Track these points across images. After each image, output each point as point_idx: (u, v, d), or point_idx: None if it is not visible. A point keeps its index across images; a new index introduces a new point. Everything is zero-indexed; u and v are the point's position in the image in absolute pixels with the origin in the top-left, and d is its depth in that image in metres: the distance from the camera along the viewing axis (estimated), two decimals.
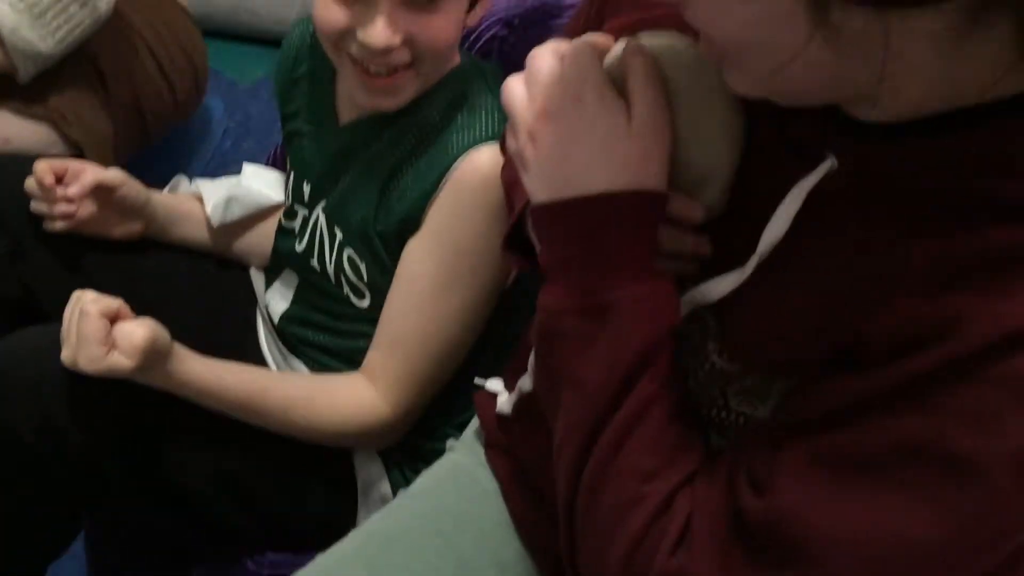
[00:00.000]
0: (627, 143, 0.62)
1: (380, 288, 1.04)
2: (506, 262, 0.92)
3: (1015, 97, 0.52)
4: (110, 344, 0.91)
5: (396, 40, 0.92)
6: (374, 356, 1.04)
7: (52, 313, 1.01)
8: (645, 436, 0.63)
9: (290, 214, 1.16)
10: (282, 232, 1.18)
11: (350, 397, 1.03)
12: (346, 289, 1.09)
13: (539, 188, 0.65)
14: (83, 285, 0.96)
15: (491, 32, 1.22)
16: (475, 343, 1.04)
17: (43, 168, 1.09)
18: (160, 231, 1.20)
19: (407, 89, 0.98)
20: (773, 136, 0.62)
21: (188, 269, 1.23)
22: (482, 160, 0.96)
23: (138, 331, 0.91)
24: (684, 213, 0.64)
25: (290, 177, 1.15)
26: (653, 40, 0.65)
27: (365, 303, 1.08)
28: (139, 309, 0.96)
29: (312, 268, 1.12)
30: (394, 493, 1.09)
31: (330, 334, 1.13)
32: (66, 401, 0.96)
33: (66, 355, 0.92)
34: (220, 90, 2.19)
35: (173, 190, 1.26)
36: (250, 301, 1.26)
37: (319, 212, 1.10)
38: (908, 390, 0.53)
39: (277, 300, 1.20)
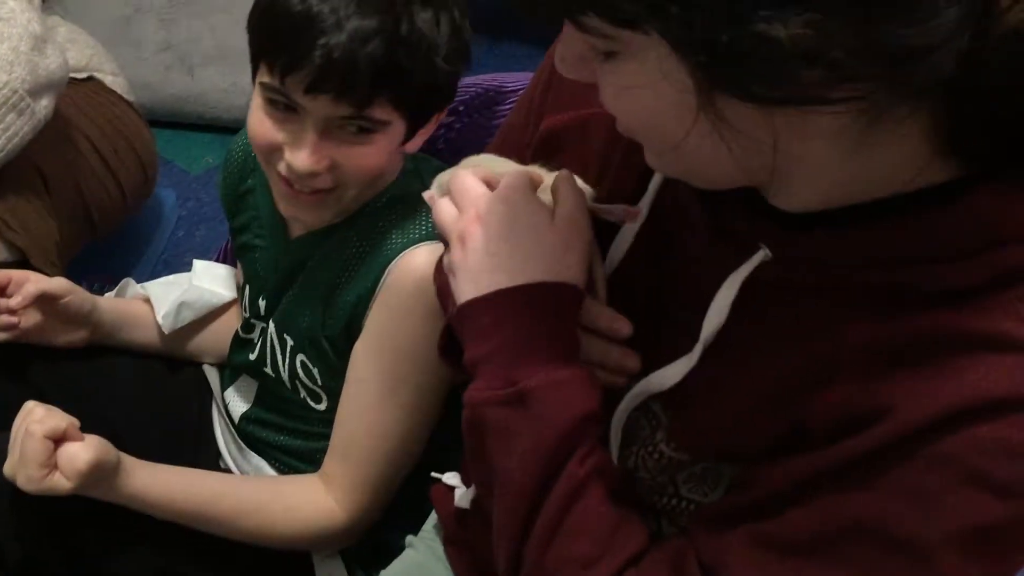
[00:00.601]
0: (549, 237, 0.66)
1: (335, 391, 1.03)
2: (443, 367, 0.92)
3: (939, 186, 0.53)
4: (51, 465, 0.89)
5: (321, 166, 0.92)
6: (329, 461, 1.03)
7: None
8: (579, 523, 0.63)
9: (247, 327, 1.15)
10: (239, 343, 1.17)
11: (306, 503, 1.01)
12: (303, 393, 1.08)
13: (466, 289, 0.67)
14: (29, 396, 0.95)
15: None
16: (431, 437, 1.03)
17: None
18: (107, 336, 1.18)
19: (329, 208, 0.99)
20: (707, 224, 0.64)
21: (138, 370, 1.21)
22: (417, 262, 0.96)
23: (82, 455, 0.90)
24: (609, 326, 0.67)
25: (245, 291, 1.14)
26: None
27: (323, 406, 1.07)
28: (88, 414, 0.95)
29: (267, 375, 1.11)
30: None
31: (291, 435, 1.12)
32: (8, 510, 0.95)
33: (7, 469, 0.92)
34: (171, 179, 2.19)
35: (120, 294, 1.24)
36: (204, 396, 1.24)
37: (271, 322, 1.10)
38: (847, 472, 0.54)
39: (237, 401, 1.19)
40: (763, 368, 0.59)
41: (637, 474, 0.69)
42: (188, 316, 1.20)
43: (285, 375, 1.08)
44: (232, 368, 1.20)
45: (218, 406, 1.22)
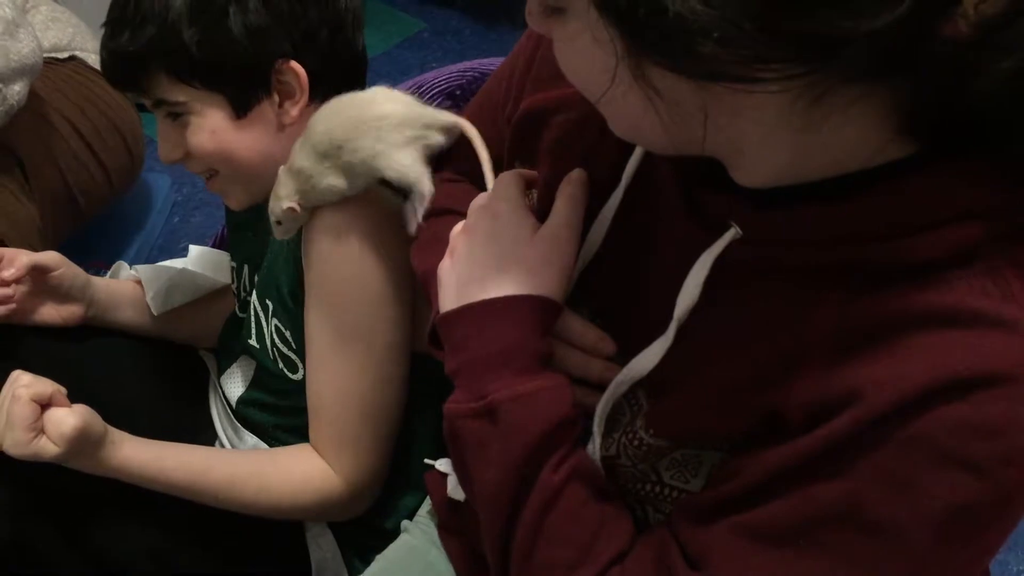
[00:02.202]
0: (527, 251, 0.67)
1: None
2: (389, 316, 0.94)
3: (900, 161, 0.53)
4: (38, 430, 0.89)
5: (175, 155, 0.99)
6: (311, 425, 1.01)
7: None
8: (558, 530, 0.64)
9: (244, 307, 1.14)
10: (233, 323, 1.16)
11: (301, 466, 1.00)
12: (280, 363, 1.06)
13: (446, 300, 0.69)
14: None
15: (435, 104, 1.23)
16: (423, 425, 1.02)
17: None
18: (101, 315, 1.18)
19: (230, 193, 1.03)
20: (683, 202, 0.63)
21: (132, 352, 1.21)
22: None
23: (68, 419, 0.89)
24: (595, 345, 0.68)
25: (243, 271, 1.14)
26: None
27: (299, 375, 1.05)
28: (80, 396, 0.94)
29: (253, 347, 1.10)
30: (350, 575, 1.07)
31: (280, 414, 1.11)
32: None
33: None
34: (165, 164, 2.17)
35: (114, 276, 1.24)
36: (200, 380, 1.24)
37: (254, 291, 1.09)
38: (822, 460, 0.54)
39: (234, 384, 1.18)
40: (735, 353, 0.59)
41: (618, 461, 0.69)
42: (178, 299, 1.20)
43: (268, 343, 1.07)
44: (225, 350, 1.19)
45: (216, 389, 1.22)
